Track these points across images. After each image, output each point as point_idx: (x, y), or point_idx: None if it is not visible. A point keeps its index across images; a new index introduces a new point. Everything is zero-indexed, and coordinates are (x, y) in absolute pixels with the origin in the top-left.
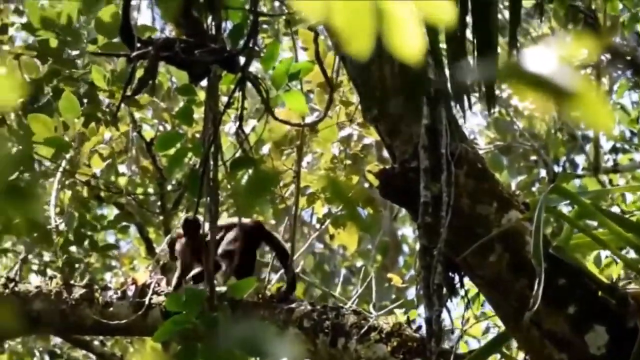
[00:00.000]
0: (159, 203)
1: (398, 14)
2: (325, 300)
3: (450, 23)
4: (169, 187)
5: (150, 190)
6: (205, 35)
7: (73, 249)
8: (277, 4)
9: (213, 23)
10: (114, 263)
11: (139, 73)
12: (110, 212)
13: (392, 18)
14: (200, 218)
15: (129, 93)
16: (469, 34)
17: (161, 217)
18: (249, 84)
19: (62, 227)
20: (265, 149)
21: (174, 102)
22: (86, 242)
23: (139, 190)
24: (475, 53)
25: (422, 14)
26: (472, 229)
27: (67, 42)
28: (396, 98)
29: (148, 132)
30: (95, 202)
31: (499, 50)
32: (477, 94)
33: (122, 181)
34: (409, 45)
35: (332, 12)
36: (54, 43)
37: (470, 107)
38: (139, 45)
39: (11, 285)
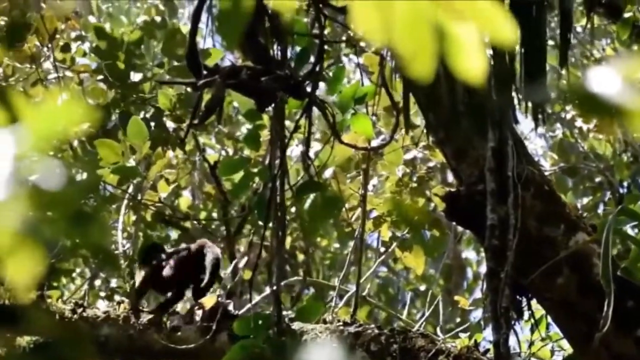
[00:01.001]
0: (222, 227)
1: (460, 36)
2: (389, 323)
3: (512, 44)
4: (233, 211)
5: (214, 214)
6: (271, 62)
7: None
8: (337, 25)
9: (279, 49)
10: None
11: (205, 98)
12: (175, 236)
13: (455, 40)
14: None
15: (196, 121)
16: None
17: (225, 242)
18: (314, 108)
19: (129, 251)
20: (328, 173)
21: (235, 126)
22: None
23: (203, 214)
24: (524, 74)
25: (485, 36)
26: (539, 251)
27: (134, 66)
28: (462, 121)
29: (211, 156)
30: (160, 226)
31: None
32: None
33: (186, 205)
34: (472, 67)
35: (394, 35)
36: (120, 67)
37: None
38: (205, 72)
39: (79, 310)
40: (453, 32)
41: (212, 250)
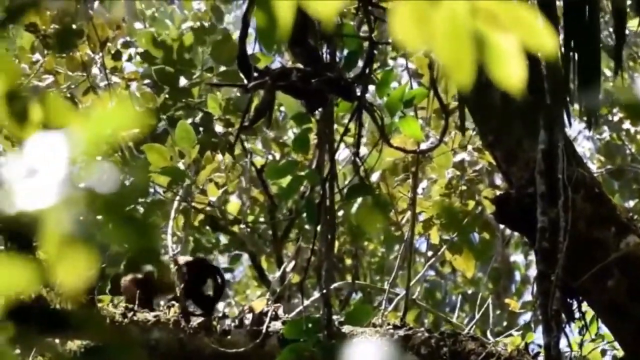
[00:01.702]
0: (270, 231)
1: (500, 44)
2: (436, 327)
3: (552, 52)
4: (280, 215)
5: (261, 218)
6: (321, 64)
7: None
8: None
9: (328, 51)
10: (229, 292)
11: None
12: (225, 239)
13: (495, 49)
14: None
15: (246, 123)
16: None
17: (272, 245)
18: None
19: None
20: (375, 177)
21: (282, 131)
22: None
23: (251, 218)
24: (577, 77)
25: (524, 44)
26: (589, 253)
27: (183, 71)
28: (512, 124)
29: (257, 161)
30: (209, 229)
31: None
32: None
33: (234, 209)
34: (512, 75)
35: (433, 43)
36: (169, 72)
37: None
38: (255, 74)
39: (130, 314)
40: (492, 40)
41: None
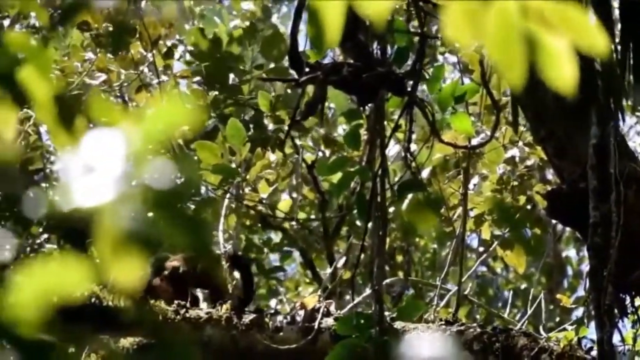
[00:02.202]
0: (321, 228)
1: (551, 44)
2: (488, 323)
3: (603, 52)
4: (331, 212)
5: (312, 215)
6: (371, 59)
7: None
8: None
9: (379, 47)
10: (280, 289)
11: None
12: (276, 237)
13: (545, 49)
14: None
15: (297, 118)
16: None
17: (323, 242)
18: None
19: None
20: (426, 173)
21: (332, 127)
22: (253, 267)
23: (302, 215)
24: (631, 73)
25: (575, 44)
26: None
27: (232, 68)
28: (564, 119)
29: (308, 157)
30: (260, 227)
31: None
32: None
33: (286, 206)
34: (563, 75)
35: (484, 42)
36: (220, 69)
37: None
38: (306, 70)
39: (182, 311)
40: (543, 40)
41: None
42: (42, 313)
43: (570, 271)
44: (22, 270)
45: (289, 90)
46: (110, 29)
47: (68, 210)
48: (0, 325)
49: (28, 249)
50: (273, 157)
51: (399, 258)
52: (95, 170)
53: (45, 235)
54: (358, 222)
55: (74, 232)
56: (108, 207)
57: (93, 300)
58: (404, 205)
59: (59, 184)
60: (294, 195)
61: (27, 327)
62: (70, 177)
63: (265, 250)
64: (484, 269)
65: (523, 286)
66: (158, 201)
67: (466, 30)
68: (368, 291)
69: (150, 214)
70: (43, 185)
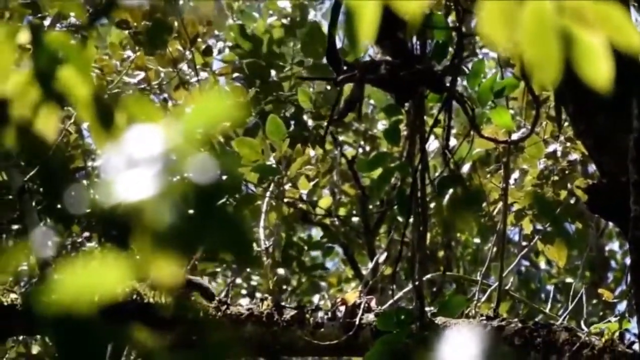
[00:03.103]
0: (362, 224)
1: (587, 41)
2: (531, 318)
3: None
4: (371, 207)
5: (353, 211)
6: (409, 56)
7: (281, 271)
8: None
9: (417, 43)
10: (322, 284)
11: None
12: (317, 233)
13: (582, 45)
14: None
15: (335, 116)
16: None
17: (364, 238)
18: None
19: (270, 249)
20: (466, 168)
21: (372, 123)
22: (294, 264)
23: (343, 211)
24: None
25: (612, 41)
26: None
27: (273, 64)
28: (604, 113)
29: (349, 152)
30: (301, 223)
31: None
32: None
33: (326, 202)
34: (599, 72)
35: (518, 39)
36: (260, 66)
37: None
38: (344, 68)
39: (223, 307)
40: (580, 37)
41: None
42: (84, 310)
43: (614, 265)
44: (63, 267)
45: (328, 87)
46: (149, 27)
47: (109, 206)
48: (44, 320)
49: (69, 247)
50: (313, 153)
51: (440, 253)
52: (137, 167)
53: (87, 234)
54: (399, 218)
55: (115, 228)
56: (149, 203)
57: (134, 297)
58: (445, 201)
59: (100, 181)
60: (335, 191)
61: (70, 323)
62: (111, 173)
63: (306, 247)
64: (526, 263)
65: (567, 280)
66: (199, 197)
67: (502, 28)
68: (409, 287)
69: (191, 211)
70: (84, 183)
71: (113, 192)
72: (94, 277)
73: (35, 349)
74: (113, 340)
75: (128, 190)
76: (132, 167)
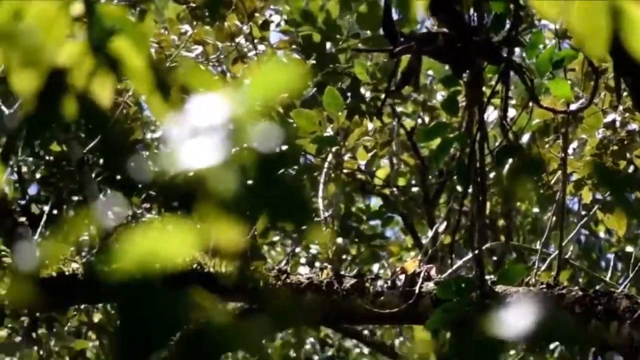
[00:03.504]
0: (421, 194)
1: (636, 14)
2: (591, 287)
3: None
4: (431, 177)
5: (412, 181)
6: (466, 28)
7: (340, 240)
8: None
9: (474, 15)
10: (381, 253)
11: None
12: (376, 203)
13: (630, 19)
14: None
15: (392, 88)
16: None
17: (424, 208)
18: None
19: (329, 219)
20: (525, 138)
21: (430, 94)
22: (353, 233)
23: (402, 181)
24: None
25: None
26: None
27: (329, 37)
28: None
29: (407, 122)
30: (360, 193)
31: None
32: None
33: (384, 172)
34: None
35: (568, 12)
36: (316, 38)
37: None
38: (401, 39)
39: (283, 277)
40: (628, 11)
41: None
42: (146, 278)
43: None
44: (125, 236)
45: (385, 59)
46: (207, 1)
47: (171, 176)
48: (106, 289)
49: (130, 218)
50: (371, 125)
51: (500, 222)
52: (198, 136)
53: (147, 205)
54: (458, 188)
55: (177, 197)
56: (211, 171)
57: (195, 266)
58: (504, 170)
59: (162, 151)
60: (393, 161)
61: (132, 291)
62: (173, 143)
63: (365, 217)
64: (586, 232)
65: (627, 249)
66: (260, 166)
67: (552, 1)
68: (469, 255)
69: (253, 179)
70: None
71: (175, 161)
72: (156, 246)
73: (97, 317)
74: (176, 307)
75: (190, 159)
76: (194, 136)
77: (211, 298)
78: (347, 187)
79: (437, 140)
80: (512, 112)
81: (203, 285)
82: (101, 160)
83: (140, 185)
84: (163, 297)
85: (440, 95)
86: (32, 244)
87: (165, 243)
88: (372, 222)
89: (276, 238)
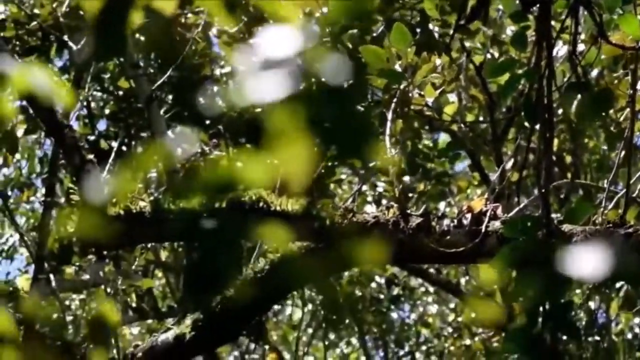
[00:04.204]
0: (489, 130)
1: None
2: None
3: None
4: (499, 114)
5: (480, 117)
6: None
7: (407, 178)
8: None
9: None
10: (448, 189)
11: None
12: (444, 140)
13: None
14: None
15: (461, 22)
16: None
17: (492, 144)
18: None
19: (396, 156)
20: (593, 74)
21: (499, 29)
22: (420, 171)
23: (470, 117)
24: None
25: None
26: None
27: None
28: None
29: (477, 58)
30: (427, 130)
31: None
32: None
33: (452, 109)
34: None
35: None
36: None
37: None
38: None
39: (349, 215)
40: None
41: None
42: (214, 213)
43: None
44: (192, 172)
45: None
46: None
47: (240, 109)
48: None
49: (198, 154)
50: (439, 61)
51: (568, 160)
52: (269, 67)
53: (215, 141)
54: (526, 124)
55: (245, 132)
56: (280, 105)
57: (260, 204)
58: (572, 107)
59: (232, 84)
60: (462, 97)
61: (202, 227)
62: (243, 75)
63: (432, 155)
64: None
65: None
66: (329, 100)
67: None
68: (536, 193)
69: (321, 114)
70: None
71: (244, 95)
72: (224, 181)
73: (164, 256)
74: (243, 242)
75: (260, 92)
76: (263, 69)
77: (281, 233)
78: (415, 123)
79: (506, 76)
80: (580, 48)
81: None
82: (170, 97)
83: (208, 120)
84: (230, 232)
85: (510, 30)
86: (100, 181)
87: (233, 179)
88: (440, 160)
89: (343, 176)
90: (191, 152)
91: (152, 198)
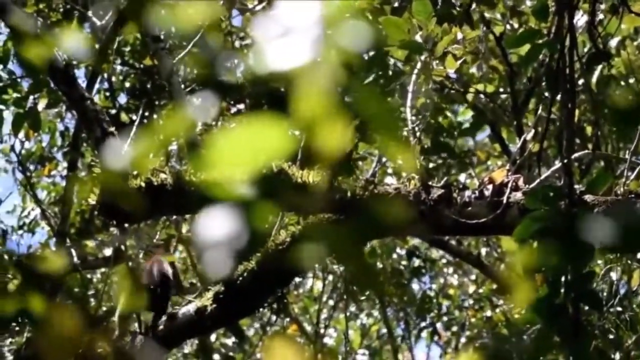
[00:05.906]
0: (510, 100)
1: None
2: None
3: None
4: (519, 84)
5: (501, 88)
6: None
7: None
8: None
9: None
10: (468, 160)
11: None
12: (466, 112)
13: None
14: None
15: None
16: None
17: (512, 115)
18: None
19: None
20: (614, 43)
21: (519, 0)
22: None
23: (490, 88)
24: None
25: None
26: None
27: None
28: None
29: (498, 28)
30: (448, 101)
31: None
32: None
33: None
34: None
35: None
36: None
37: None
38: None
39: (370, 187)
40: None
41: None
42: (240, 175)
43: None
44: (213, 143)
45: None
46: None
47: (264, 75)
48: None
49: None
50: (460, 34)
51: (589, 130)
52: (292, 34)
53: (236, 108)
54: (547, 95)
55: (270, 97)
56: (307, 69)
57: (282, 177)
58: (593, 77)
59: (255, 51)
60: (483, 67)
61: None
62: (266, 42)
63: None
64: None
65: None
66: (353, 66)
67: None
68: (557, 164)
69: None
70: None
71: (268, 60)
72: (245, 149)
73: (185, 229)
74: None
75: (283, 58)
76: (288, 34)
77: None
78: (436, 95)
79: (526, 47)
80: (600, 17)
81: (291, 195)
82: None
83: (231, 87)
84: (251, 204)
85: (529, 1)
86: (121, 153)
87: (255, 150)
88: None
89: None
90: (212, 123)
91: (173, 171)
